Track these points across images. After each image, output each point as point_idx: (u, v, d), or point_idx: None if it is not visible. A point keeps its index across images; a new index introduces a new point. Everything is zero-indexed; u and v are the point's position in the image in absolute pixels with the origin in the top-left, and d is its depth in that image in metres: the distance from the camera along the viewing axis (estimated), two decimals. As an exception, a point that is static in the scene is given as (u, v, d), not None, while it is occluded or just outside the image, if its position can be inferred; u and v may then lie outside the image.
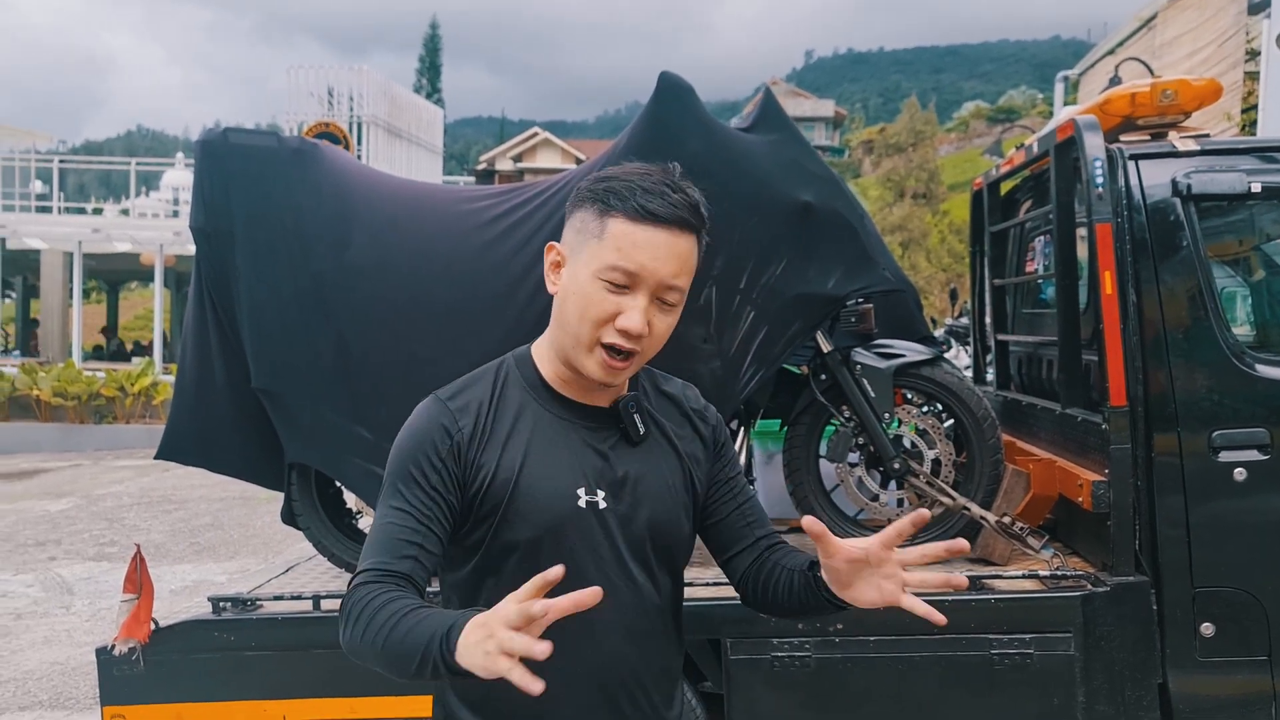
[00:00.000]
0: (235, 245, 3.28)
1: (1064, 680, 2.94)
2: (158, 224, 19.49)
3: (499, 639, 1.19)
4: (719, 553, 1.71)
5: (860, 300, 3.31)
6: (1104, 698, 2.95)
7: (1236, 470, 2.98)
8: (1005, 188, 4.39)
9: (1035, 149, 3.65)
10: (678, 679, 1.68)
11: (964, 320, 7.38)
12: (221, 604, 3.23)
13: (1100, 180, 3.02)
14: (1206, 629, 2.99)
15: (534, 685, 1.18)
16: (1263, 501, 2.98)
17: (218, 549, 8.28)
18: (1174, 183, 3.09)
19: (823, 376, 3.40)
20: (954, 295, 9.12)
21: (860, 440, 3.39)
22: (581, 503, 1.51)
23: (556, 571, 1.24)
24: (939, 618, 1.46)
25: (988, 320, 4.62)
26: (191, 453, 3.46)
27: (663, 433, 1.62)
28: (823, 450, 3.47)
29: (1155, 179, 3.11)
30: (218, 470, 3.53)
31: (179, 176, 23.42)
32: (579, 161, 31.34)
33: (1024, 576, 3.11)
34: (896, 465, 3.33)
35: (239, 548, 8.32)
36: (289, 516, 3.55)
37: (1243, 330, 3.42)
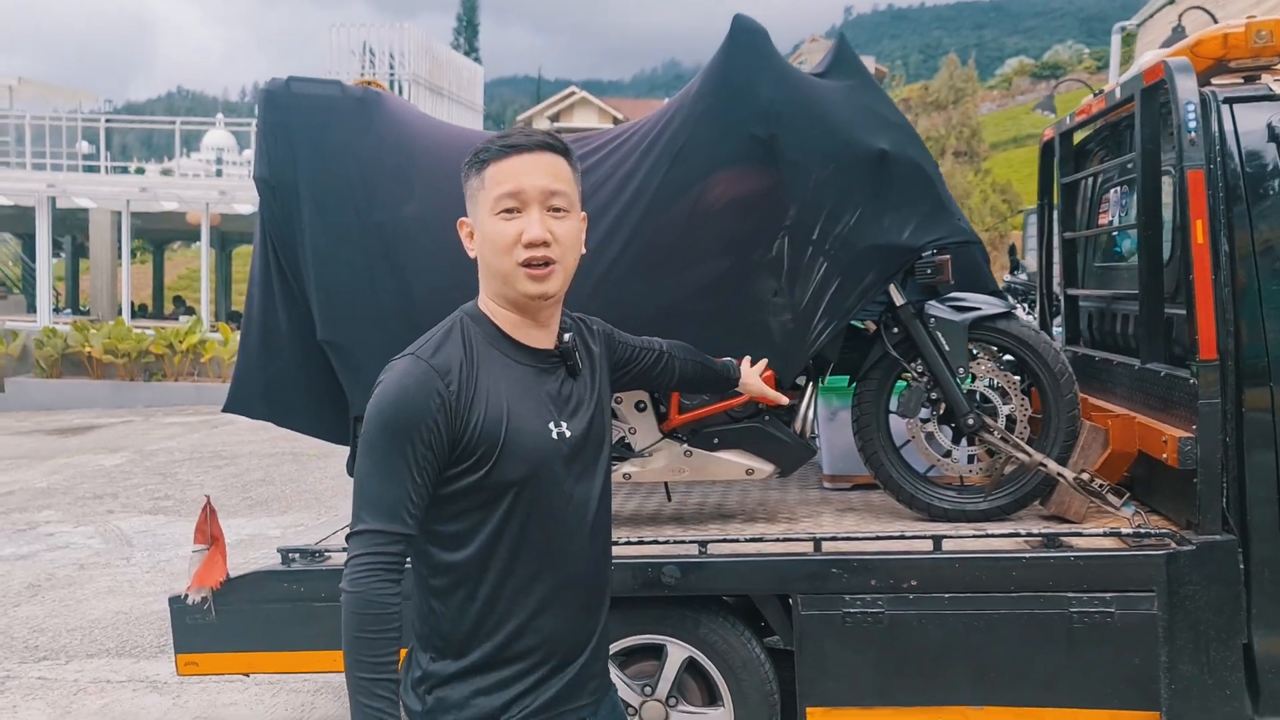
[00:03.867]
0: (299, 196, 3.25)
1: (1146, 640, 2.87)
2: (204, 183, 19.62)
3: None
4: (651, 376, 2.24)
5: (935, 251, 3.22)
6: (1188, 658, 2.89)
7: (1331, 426, 2.88)
8: (1078, 138, 4.26)
9: (1118, 94, 3.51)
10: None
11: (1022, 277, 7.24)
12: (290, 555, 3.24)
13: (1193, 125, 2.90)
14: (1295, 589, 2.91)
15: None
16: (1357, 459, 2.88)
17: (270, 504, 8.38)
18: (1270, 127, 2.96)
19: (895, 330, 3.32)
20: (1012, 252, 8.93)
21: (933, 395, 3.31)
22: (554, 435, 1.72)
23: None
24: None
25: (1055, 275, 4.51)
26: (258, 406, 3.46)
27: (589, 355, 1.89)
28: (893, 405, 3.40)
29: (1250, 124, 2.98)
30: (283, 424, 3.53)
31: (220, 137, 23.54)
32: (616, 121, 31.10)
33: (1105, 534, 3.03)
34: (970, 421, 3.25)
35: (291, 503, 8.41)
36: (354, 469, 3.55)
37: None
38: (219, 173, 21.88)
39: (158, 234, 26.30)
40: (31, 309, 20.01)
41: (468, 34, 64.79)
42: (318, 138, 3.25)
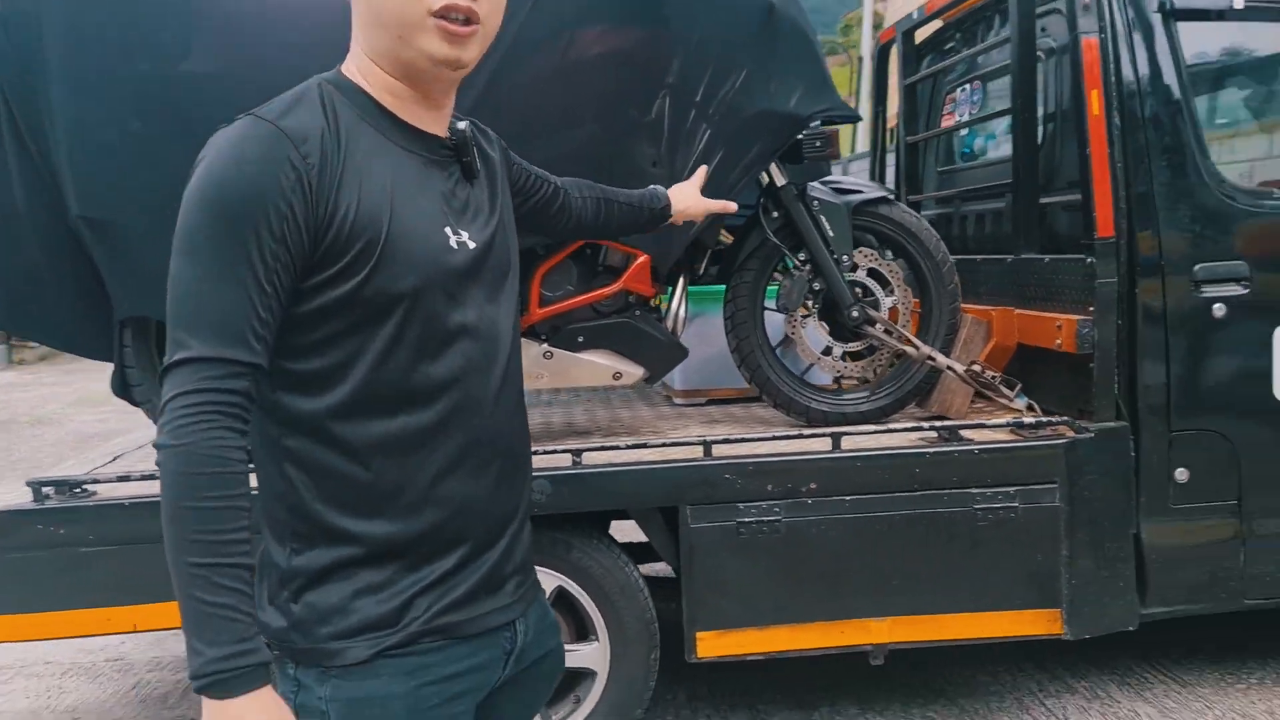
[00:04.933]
0: (43, 31, 2.52)
1: (1049, 534, 2.73)
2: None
3: None
4: (549, 216, 1.77)
5: (820, 123, 2.93)
6: (1086, 551, 2.76)
7: (1216, 306, 2.83)
8: (920, 36, 4.11)
9: (986, -26, 3.35)
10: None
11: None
12: (44, 489, 2.53)
13: (1087, -11, 2.75)
14: (1181, 474, 2.85)
15: None
16: (1238, 337, 2.85)
17: (-21, 473, 7.10)
18: (1158, -5, 2.86)
19: (775, 214, 3.00)
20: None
21: (815, 286, 3.03)
22: (453, 243, 1.31)
23: None
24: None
25: (889, 183, 4.38)
26: None
27: (487, 161, 1.45)
28: (770, 301, 3.09)
29: (1137, -9, 2.87)
30: (29, 335, 2.83)
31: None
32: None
33: (1004, 426, 2.86)
34: (854, 313, 2.99)
35: (1, 474, 7.17)
36: (121, 387, 2.86)
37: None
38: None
39: None
40: None
41: None
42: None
